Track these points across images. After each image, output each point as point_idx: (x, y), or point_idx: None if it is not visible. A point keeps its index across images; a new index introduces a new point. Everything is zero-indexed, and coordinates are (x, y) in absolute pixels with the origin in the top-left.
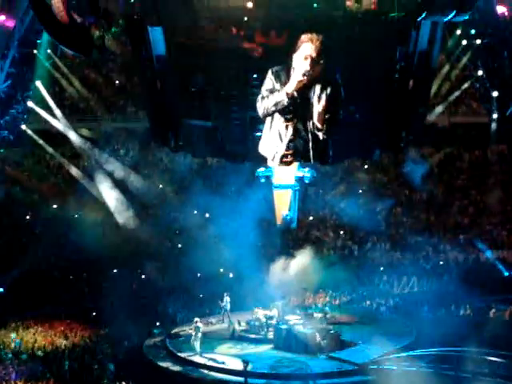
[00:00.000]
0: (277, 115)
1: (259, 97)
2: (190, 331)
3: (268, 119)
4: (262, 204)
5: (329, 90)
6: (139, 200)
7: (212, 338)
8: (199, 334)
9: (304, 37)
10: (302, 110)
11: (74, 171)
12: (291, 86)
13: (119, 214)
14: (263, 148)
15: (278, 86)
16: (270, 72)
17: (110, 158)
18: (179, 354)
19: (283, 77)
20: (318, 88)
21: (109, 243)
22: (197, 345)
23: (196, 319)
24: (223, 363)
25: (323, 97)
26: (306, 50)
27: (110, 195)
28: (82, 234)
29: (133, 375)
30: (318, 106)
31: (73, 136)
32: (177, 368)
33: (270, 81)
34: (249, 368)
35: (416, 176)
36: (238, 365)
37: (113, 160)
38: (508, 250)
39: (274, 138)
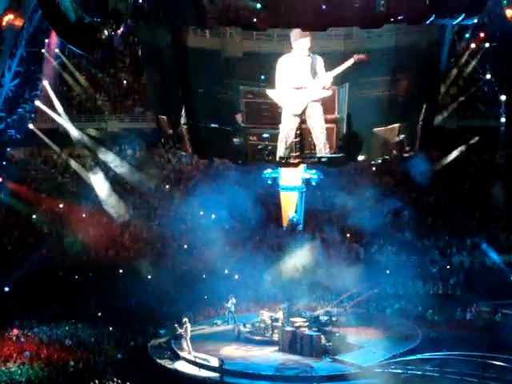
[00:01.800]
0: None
1: None
2: (182, 331)
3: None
4: (269, 205)
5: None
6: (146, 201)
7: (217, 339)
8: (189, 334)
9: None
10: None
11: (81, 171)
12: None
13: (118, 214)
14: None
15: None
16: None
17: (116, 158)
18: (183, 355)
19: None
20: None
21: (115, 243)
22: (187, 344)
23: (185, 319)
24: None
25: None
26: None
27: (111, 195)
28: (88, 233)
29: (137, 375)
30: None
31: (79, 136)
32: (180, 368)
33: None
34: (224, 366)
35: (423, 179)
36: (237, 366)
37: (119, 160)
38: None
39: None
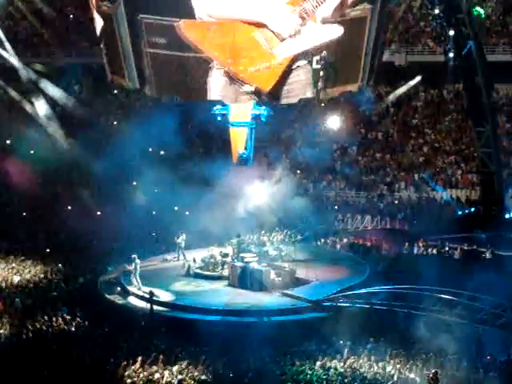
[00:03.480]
0: None
1: None
2: (130, 267)
3: None
4: (218, 141)
5: None
6: (94, 137)
7: (167, 275)
8: (138, 270)
9: None
10: None
11: (27, 107)
12: None
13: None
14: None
15: None
16: None
17: (63, 94)
18: (132, 290)
19: None
20: None
21: (64, 180)
22: (136, 280)
23: (134, 255)
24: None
25: None
26: None
27: (58, 130)
28: (37, 170)
29: (87, 311)
30: None
31: (25, 71)
32: (129, 303)
33: None
34: (154, 297)
35: (371, 114)
36: (187, 300)
37: (66, 95)
38: (462, 189)
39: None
